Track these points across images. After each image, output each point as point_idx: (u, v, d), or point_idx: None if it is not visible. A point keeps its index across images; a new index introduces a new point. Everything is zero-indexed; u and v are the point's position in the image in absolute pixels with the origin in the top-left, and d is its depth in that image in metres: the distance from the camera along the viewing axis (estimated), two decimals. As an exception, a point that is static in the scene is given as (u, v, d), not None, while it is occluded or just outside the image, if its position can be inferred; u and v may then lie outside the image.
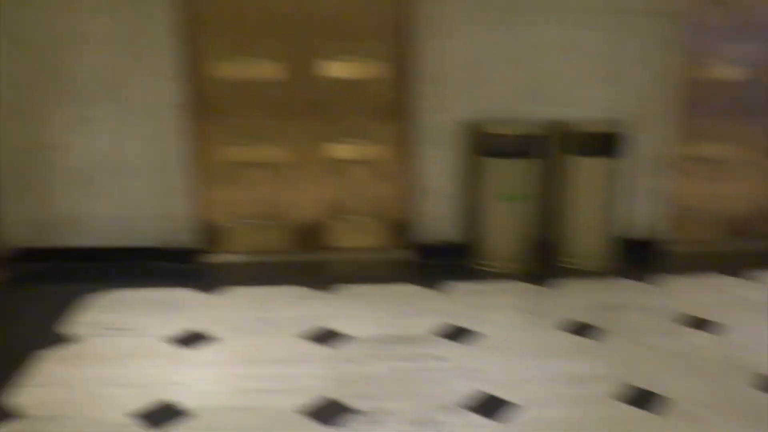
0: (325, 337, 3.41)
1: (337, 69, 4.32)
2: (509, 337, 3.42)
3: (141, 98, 4.13)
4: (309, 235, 4.61)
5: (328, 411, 2.77)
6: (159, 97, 4.11)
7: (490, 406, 2.80)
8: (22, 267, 4.30)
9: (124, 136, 4.18)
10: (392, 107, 4.41)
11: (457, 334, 3.44)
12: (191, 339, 3.39)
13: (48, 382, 2.99)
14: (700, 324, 3.56)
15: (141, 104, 4.14)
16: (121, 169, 4.23)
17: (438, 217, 4.47)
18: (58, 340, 3.36)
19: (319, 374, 3.07)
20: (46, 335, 3.40)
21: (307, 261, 4.51)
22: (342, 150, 4.48)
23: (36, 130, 4.14)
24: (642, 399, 2.85)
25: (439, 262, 4.41)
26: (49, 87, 4.08)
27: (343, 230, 4.64)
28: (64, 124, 4.14)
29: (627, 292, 4.02)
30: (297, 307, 3.77)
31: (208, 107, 4.29)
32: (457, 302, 3.84)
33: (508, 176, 4.21)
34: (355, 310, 3.74)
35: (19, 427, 2.66)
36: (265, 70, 4.28)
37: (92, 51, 4.06)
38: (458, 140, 4.33)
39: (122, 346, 3.31)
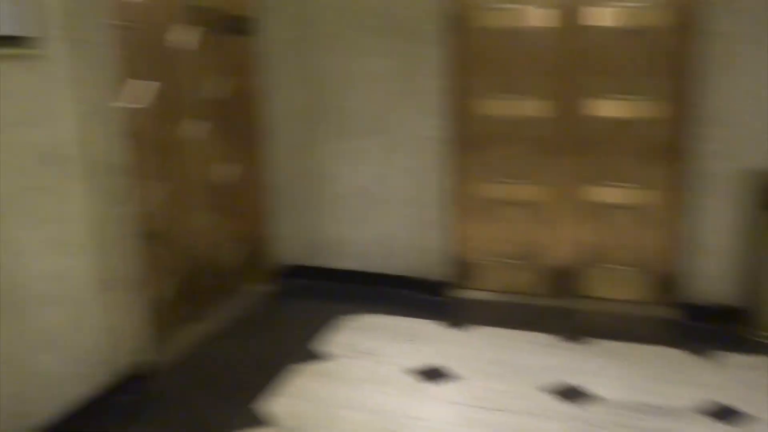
0: (569, 393, 3.19)
1: (607, 108, 4.08)
2: (791, 428, 2.89)
3: (406, 132, 4.29)
4: (562, 280, 4.40)
5: (565, 477, 2.57)
6: (423, 131, 4.24)
7: None
8: (291, 282, 4.71)
9: (387, 167, 4.38)
10: (666, 150, 4.03)
11: (723, 413, 3.00)
12: (432, 373, 3.40)
13: (297, 395, 3.19)
14: None
15: (406, 138, 4.30)
16: (383, 198, 4.44)
17: (710, 275, 3.97)
18: (311, 355, 3.60)
19: (558, 434, 2.87)
20: (302, 349, 3.66)
21: (557, 307, 4.30)
22: (605, 193, 4.21)
23: (311, 159, 4.53)
24: None
25: (707, 326, 3.91)
26: (325, 121, 4.44)
27: (600, 278, 4.34)
28: (335, 154, 4.46)
29: None
30: (542, 355, 3.60)
31: (469, 143, 4.33)
32: (727, 376, 3.36)
33: (805, 236, 3.60)
34: (605, 367, 3.45)
35: (269, 435, 2.87)
36: (530, 107, 4.20)
37: (365, 88, 4.33)
38: (742, 191, 3.81)
39: (367, 371, 3.43)
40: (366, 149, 4.41)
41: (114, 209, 3.06)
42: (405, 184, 4.38)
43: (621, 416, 2.99)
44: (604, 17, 3.96)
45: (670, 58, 3.92)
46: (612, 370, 3.42)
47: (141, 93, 3.41)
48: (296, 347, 3.70)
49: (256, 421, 2.97)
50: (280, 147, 4.49)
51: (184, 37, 3.74)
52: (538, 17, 4.08)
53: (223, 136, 4.26)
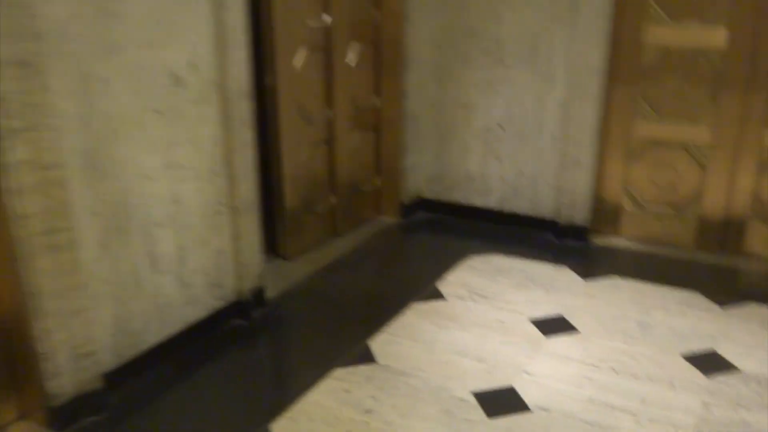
0: (712, 364, 2.80)
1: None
2: None
3: (560, 61, 3.87)
4: (720, 234, 3.87)
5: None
6: (580, 60, 3.79)
7: None
8: (419, 215, 4.54)
9: (534, 99, 4.00)
10: None
11: None
12: (555, 326, 3.12)
13: (410, 335, 3.05)
14: None
15: (559, 68, 3.88)
16: (525, 132, 4.08)
17: None
18: (430, 294, 3.43)
19: (691, 409, 2.52)
20: (421, 287, 3.50)
21: (712, 264, 3.79)
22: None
23: (450, 88, 4.23)
24: None
25: None
26: (467, 46, 4.10)
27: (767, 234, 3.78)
28: (477, 84, 4.14)
29: None
30: (686, 317, 3.19)
31: (633, 77, 3.83)
32: None
33: None
34: (760, 337, 2.99)
35: (370, 373, 2.76)
36: (706, 36, 3.62)
37: (515, 9, 3.92)
38: None
39: (485, 316, 3.21)
40: (511, 79, 4.04)
41: (242, 134, 3.00)
42: (552, 119, 3.99)
43: (771, 398, 2.58)
44: None
45: None
46: (765, 339, 2.95)
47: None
48: (415, 284, 3.55)
49: (366, 357, 2.87)
50: (419, 74, 4.23)
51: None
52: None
53: (368, 61, 4.10)
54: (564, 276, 3.63)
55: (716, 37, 3.60)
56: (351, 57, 3.93)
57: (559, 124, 3.96)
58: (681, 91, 3.74)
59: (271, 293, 3.40)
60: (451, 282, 3.56)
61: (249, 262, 3.19)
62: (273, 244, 3.74)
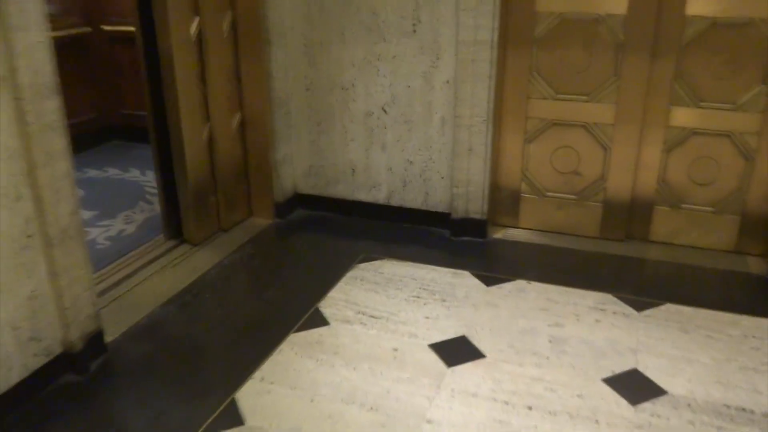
0: (637, 388, 2.42)
1: (705, 5, 3.08)
2: None
3: (445, 35, 3.35)
4: (626, 221, 3.55)
5: None
6: (467, 34, 3.28)
7: None
8: (295, 214, 3.96)
9: (419, 78, 3.48)
10: (779, 59, 3.05)
11: None
12: (458, 351, 2.65)
13: (286, 380, 2.49)
14: None
15: (444, 42, 3.37)
16: (413, 117, 3.57)
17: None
18: (309, 318, 2.88)
19: (621, 456, 2.12)
20: (298, 309, 2.94)
21: (620, 256, 3.46)
22: (693, 116, 3.27)
23: (322, 67, 3.63)
24: None
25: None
26: (340, 17, 3.50)
27: (676, 220, 3.48)
28: (352, 61, 3.56)
29: None
30: (602, 327, 2.81)
31: (522, 50, 3.39)
32: None
33: None
34: (682, 348, 2.66)
35: (237, 442, 2.20)
36: (609, 2, 3.21)
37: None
38: None
39: (374, 344, 2.70)
40: (393, 56, 3.49)
41: (50, 142, 2.29)
42: (441, 100, 3.48)
43: (702, 424, 2.22)
44: None
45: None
46: (692, 353, 2.62)
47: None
48: (293, 307, 2.98)
49: (231, 417, 2.29)
50: (287, 51, 3.61)
51: None
52: None
53: (220, 36, 3.43)
54: (464, 282, 3.18)
55: (609, 3, 3.20)
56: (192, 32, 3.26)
57: (449, 106, 3.47)
58: (580, 64, 3.34)
59: (116, 331, 2.76)
60: (336, 300, 3.02)
61: (76, 303, 2.51)
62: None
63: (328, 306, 2.97)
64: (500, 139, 3.57)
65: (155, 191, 4.29)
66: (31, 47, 2.20)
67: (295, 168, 3.90)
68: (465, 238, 3.62)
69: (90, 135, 5.17)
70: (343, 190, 3.86)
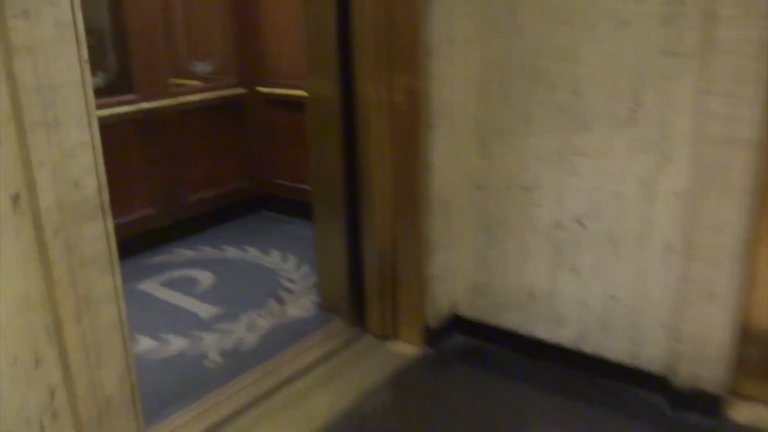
0: None
1: None
2: None
3: (678, 125, 2.32)
4: None
5: None
6: (714, 125, 2.22)
7: None
8: (452, 342, 3.05)
9: (634, 184, 2.46)
10: None
11: None
12: None
13: None
14: None
15: (676, 135, 2.33)
16: (621, 236, 2.54)
17: None
18: None
19: None
20: None
21: None
22: None
23: (502, 158, 2.73)
24: None
25: None
26: (530, 96, 2.59)
27: None
28: (544, 154, 2.61)
29: None
30: None
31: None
32: None
33: None
34: None
35: None
36: None
37: (600, 41, 2.39)
38: None
39: None
40: (595, 149, 2.50)
41: (94, 281, 1.61)
42: (666, 218, 2.42)
43: None
44: None
45: None
46: None
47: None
48: None
49: None
50: (453, 136, 2.77)
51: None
52: None
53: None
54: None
55: None
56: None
57: (678, 227, 2.40)
58: None
59: None
60: None
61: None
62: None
63: None
64: (756, 281, 2.42)
65: (292, 286, 3.63)
66: (67, 151, 1.53)
67: (455, 284, 3.01)
68: (691, 416, 2.49)
69: (238, 204, 4.67)
70: (516, 320, 2.89)
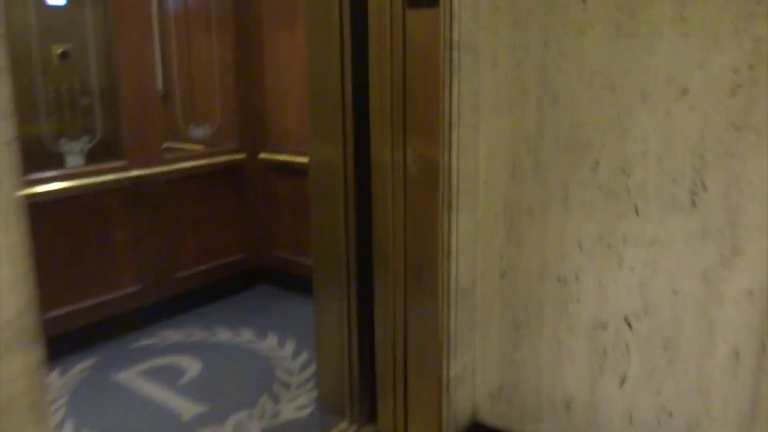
0: None
1: None
2: None
3: (743, 212, 1.95)
4: None
5: None
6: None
7: None
8: (475, 455, 2.62)
9: (695, 280, 2.08)
10: None
11: None
12: None
13: None
14: None
15: (741, 225, 1.96)
16: (674, 339, 2.14)
17: None
18: None
19: None
20: None
21: None
22: None
23: (534, 244, 2.35)
24: None
25: None
26: (569, 173, 2.24)
27: None
28: (586, 240, 2.24)
29: None
30: None
31: None
32: None
33: None
34: None
35: None
36: None
37: (653, 109, 2.05)
38: None
39: None
40: (647, 238, 2.12)
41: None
42: (731, 321, 2.03)
43: None
44: None
45: None
46: None
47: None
48: None
49: None
50: (474, 217, 2.41)
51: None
52: None
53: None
54: None
55: None
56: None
57: (751, 332, 2.00)
58: None
59: None
60: None
61: None
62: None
63: None
64: None
65: (289, 378, 3.21)
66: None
67: (477, 386, 2.59)
68: None
69: (235, 279, 4.29)
70: (549, 430, 2.47)
